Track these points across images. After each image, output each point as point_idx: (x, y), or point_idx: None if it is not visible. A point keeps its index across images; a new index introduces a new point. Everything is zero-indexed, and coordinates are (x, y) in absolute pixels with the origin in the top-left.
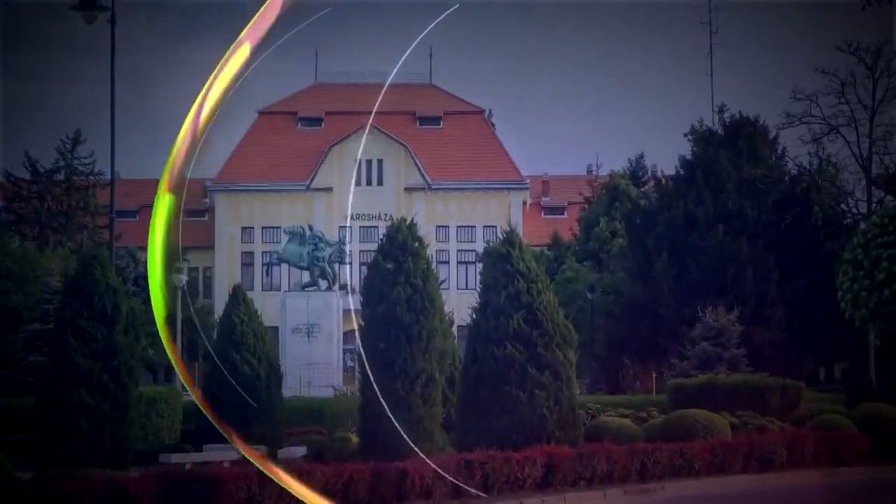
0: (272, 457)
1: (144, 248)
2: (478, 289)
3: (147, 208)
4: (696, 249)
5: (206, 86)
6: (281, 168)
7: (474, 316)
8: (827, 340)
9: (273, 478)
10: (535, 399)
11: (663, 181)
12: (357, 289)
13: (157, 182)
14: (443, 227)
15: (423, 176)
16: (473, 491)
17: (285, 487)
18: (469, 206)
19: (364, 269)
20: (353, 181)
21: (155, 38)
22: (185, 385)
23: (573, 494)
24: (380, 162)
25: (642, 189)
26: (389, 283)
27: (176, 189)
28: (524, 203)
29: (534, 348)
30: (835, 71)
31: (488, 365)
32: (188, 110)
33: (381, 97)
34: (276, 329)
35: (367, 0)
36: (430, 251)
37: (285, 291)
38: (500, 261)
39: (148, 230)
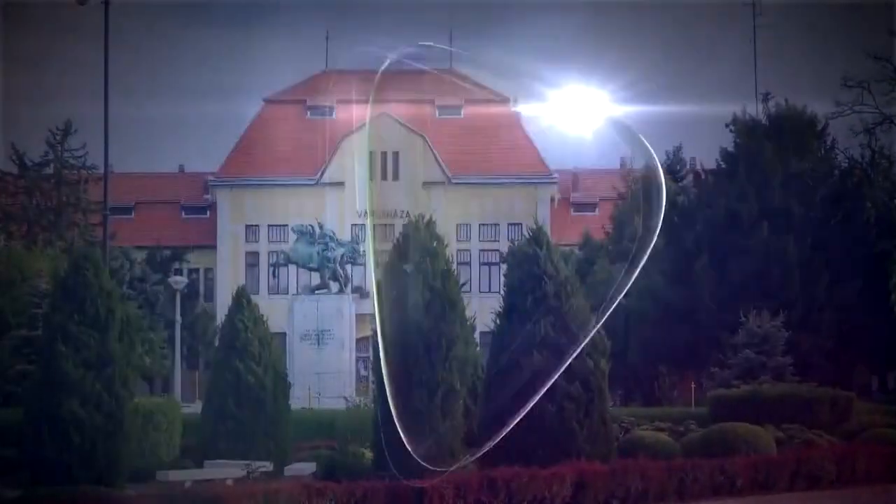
0: (279, 473)
1: (140, 248)
2: (502, 292)
3: (143, 204)
4: (738, 249)
5: None
6: (289, 161)
7: (498, 321)
8: (880, 347)
9: None
10: (564, 412)
11: (703, 176)
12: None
13: (154, 176)
14: (464, 225)
15: (442, 169)
16: None
17: None
18: (492, 203)
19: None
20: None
21: (152, 20)
22: None
23: None
24: (395, 154)
25: (680, 184)
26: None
27: None
28: (552, 199)
29: (563, 357)
30: (888, 56)
31: (513, 375)
32: (187, 97)
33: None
34: (283, 335)
35: None
36: (450, 251)
37: (293, 295)
38: (526, 262)
39: (144, 227)
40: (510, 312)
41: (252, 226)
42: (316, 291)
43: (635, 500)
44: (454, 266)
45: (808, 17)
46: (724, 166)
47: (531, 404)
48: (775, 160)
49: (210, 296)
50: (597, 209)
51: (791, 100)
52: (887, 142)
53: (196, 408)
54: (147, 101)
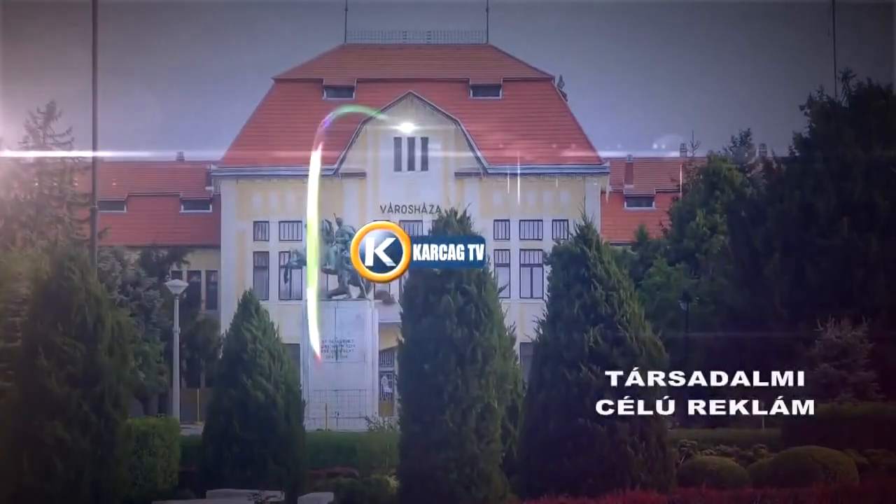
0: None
1: (133, 247)
2: (546, 297)
3: (137, 197)
4: (814, 249)
5: None
6: (302, 149)
7: (541, 331)
8: None
9: None
10: (616, 434)
11: (774, 165)
12: (397, 297)
13: (149, 165)
14: (502, 221)
15: (477, 158)
16: None
17: None
18: (534, 196)
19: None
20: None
21: None
22: None
23: None
24: (424, 141)
25: (748, 175)
26: (436, 289)
27: None
28: (603, 192)
29: (614, 371)
30: None
31: (558, 391)
32: (185, 76)
33: None
34: (296, 347)
35: None
36: (487, 251)
37: (308, 300)
38: (573, 263)
39: (138, 224)
40: (555, 321)
41: (261, 222)
42: (333, 297)
43: None
44: (491, 268)
45: None
46: (798, 154)
47: (578, 425)
48: (857, 147)
49: (213, 302)
50: (653, 203)
51: (874, 79)
52: None
53: (197, 429)
54: (141, 80)
